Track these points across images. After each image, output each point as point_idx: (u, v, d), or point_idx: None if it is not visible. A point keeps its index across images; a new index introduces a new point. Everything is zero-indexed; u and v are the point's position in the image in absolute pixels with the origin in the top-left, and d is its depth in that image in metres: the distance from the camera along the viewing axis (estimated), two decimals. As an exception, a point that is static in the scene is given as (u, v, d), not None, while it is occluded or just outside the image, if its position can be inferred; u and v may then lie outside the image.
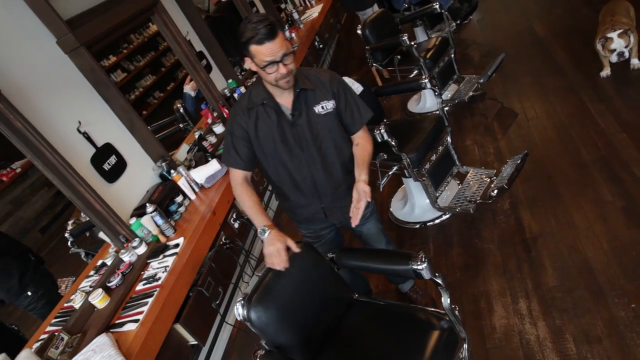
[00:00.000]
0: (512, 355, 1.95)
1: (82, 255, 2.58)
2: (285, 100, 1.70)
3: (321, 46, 5.02)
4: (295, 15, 5.17)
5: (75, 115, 2.33)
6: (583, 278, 2.09)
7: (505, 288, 2.24)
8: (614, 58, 3.05)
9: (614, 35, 2.95)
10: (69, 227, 2.60)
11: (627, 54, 3.01)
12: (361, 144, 1.82)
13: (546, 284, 2.15)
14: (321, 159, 1.78)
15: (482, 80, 3.66)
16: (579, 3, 4.46)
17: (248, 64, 1.63)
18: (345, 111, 1.77)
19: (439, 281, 1.57)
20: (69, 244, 2.56)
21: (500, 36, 4.66)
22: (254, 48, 1.51)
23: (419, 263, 1.42)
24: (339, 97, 1.74)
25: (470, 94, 3.70)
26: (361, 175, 1.69)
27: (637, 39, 3.04)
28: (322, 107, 1.71)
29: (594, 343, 1.83)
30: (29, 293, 2.29)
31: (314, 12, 5.36)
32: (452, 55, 3.67)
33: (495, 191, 2.50)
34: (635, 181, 2.40)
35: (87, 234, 2.62)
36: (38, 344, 1.93)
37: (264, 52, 1.50)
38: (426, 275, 1.45)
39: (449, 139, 2.74)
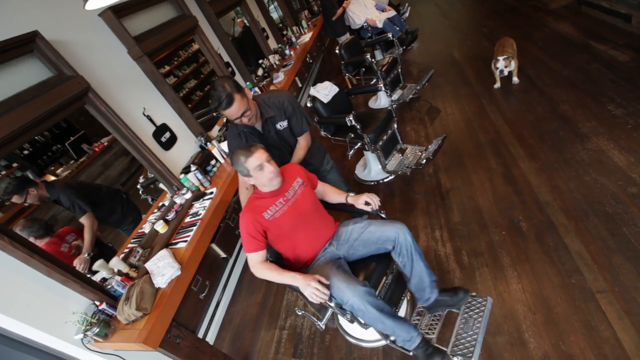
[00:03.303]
0: (429, 264, 2.00)
1: (149, 200, 2.59)
2: (258, 123, 1.75)
3: (311, 61, 4.90)
4: (293, 39, 5.01)
5: (141, 103, 2.31)
6: (475, 216, 2.15)
7: (427, 223, 2.27)
8: (497, 73, 3.11)
9: (500, 58, 3.01)
10: (140, 181, 2.60)
11: (505, 72, 3.07)
12: (298, 144, 1.87)
13: (453, 220, 2.20)
14: (284, 150, 1.87)
15: (418, 87, 3.65)
16: (482, 39, 4.39)
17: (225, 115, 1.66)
18: (293, 126, 1.81)
19: (383, 216, 1.65)
20: (140, 192, 2.57)
21: (431, 58, 4.59)
22: (222, 111, 1.57)
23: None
24: (291, 117, 1.78)
25: (410, 96, 3.68)
26: (292, 159, 1.84)
27: (517, 64, 3.09)
28: (280, 125, 1.77)
29: (478, 256, 1.92)
30: (129, 220, 2.34)
31: (307, 37, 5.20)
32: (399, 70, 3.62)
33: (424, 160, 2.52)
34: (511, 156, 2.44)
35: (152, 186, 2.63)
36: (123, 254, 1.99)
37: (229, 113, 1.58)
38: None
39: (395, 125, 2.74)
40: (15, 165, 2.80)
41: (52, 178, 2.81)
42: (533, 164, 2.30)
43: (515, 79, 3.17)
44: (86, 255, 1.94)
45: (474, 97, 3.31)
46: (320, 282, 1.31)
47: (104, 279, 1.76)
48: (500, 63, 3.02)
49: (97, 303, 1.63)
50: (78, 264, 1.88)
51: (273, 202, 1.48)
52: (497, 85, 3.25)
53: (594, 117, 2.40)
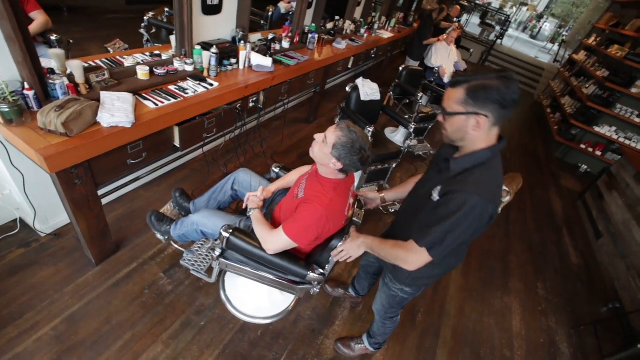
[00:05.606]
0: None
1: (144, 39, 2.32)
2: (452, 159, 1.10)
3: (373, 56, 4.79)
4: (376, 25, 4.86)
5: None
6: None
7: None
8: None
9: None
10: (149, 16, 2.31)
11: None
12: (402, 244, 1.13)
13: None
14: (411, 206, 1.31)
15: (432, 152, 3.77)
16: (501, 160, 4.68)
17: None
18: (422, 219, 1.13)
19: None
20: (142, 25, 2.28)
21: (458, 140, 4.77)
22: None
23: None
24: (438, 207, 1.05)
25: (420, 153, 3.80)
26: (367, 237, 1.28)
27: (510, 201, 3.26)
28: (435, 191, 1.09)
29: (370, 313, 1.90)
30: None
31: (385, 34, 5.06)
32: (430, 126, 3.69)
33: (392, 210, 2.59)
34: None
35: (155, 30, 2.36)
36: (87, 64, 1.73)
37: None
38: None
39: (394, 165, 2.78)
40: None
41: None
42: (461, 280, 2.48)
43: (498, 210, 3.40)
44: None
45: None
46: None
47: (51, 71, 1.51)
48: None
49: (27, 86, 1.39)
50: None
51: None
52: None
53: (524, 283, 2.67)
